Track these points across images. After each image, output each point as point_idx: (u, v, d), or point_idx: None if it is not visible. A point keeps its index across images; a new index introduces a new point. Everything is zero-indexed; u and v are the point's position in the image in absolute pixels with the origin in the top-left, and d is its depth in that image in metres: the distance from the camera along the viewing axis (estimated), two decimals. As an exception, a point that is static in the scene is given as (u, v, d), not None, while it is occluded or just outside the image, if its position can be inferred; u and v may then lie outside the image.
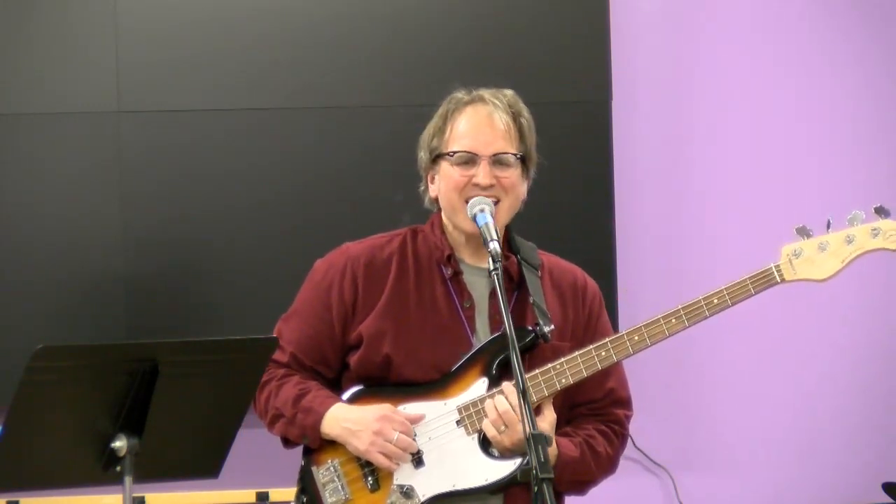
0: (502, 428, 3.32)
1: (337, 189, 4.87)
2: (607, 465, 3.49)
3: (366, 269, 3.48)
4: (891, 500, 4.86)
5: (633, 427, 3.57)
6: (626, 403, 3.54)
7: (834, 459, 5.16)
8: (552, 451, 3.34)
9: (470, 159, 3.41)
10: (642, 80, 5.11)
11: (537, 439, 2.91)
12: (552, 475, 2.88)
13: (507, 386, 3.34)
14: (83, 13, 4.83)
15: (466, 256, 3.49)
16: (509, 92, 3.51)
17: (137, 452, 3.13)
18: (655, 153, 5.13)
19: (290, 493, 4.61)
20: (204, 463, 3.33)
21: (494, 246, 3.23)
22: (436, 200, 3.52)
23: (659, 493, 5.11)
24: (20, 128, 4.80)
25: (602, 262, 4.66)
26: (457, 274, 3.47)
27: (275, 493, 4.83)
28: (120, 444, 3.13)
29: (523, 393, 3.01)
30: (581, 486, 3.48)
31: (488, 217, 3.32)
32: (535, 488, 2.88)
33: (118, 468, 3.14)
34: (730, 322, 5.09)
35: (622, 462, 3.56)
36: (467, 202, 3.39)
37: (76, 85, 4.83)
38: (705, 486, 5.12)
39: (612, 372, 3.48)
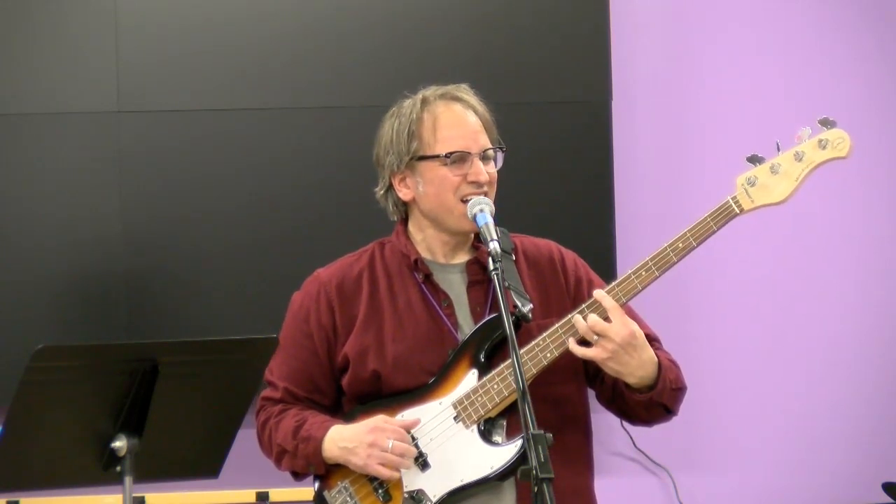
0: (594, 338, 3.31)
1: (337, 189, 4.87)
2: (682, 373, 3.48)
3: (338, 291, 3.49)
4: (891, 500, 4.86)
5: (634, 427, 3.57)
6: (657, 339, 3.53)
7: (834, 459, 5.16)
8: (650, 358, 3.35)
9: (462, 158, 3.41)
10: (642, 80, 5.11)
11: (537, 439, 2.91)
12: (552, 475, 2.88)
13: (598, 292, 3.34)
14: (83, 13, 4.83)
15: (440, 255, 3.49)
16: (464, 85, 3.52)
17: (137, 452, 3.13)
18: (655, 153, 5.13)
19: (290, 493, 4.63)
20: (204, 463, 3.33)
21: (495, 246, 3.24)
22: (406, 203, 3.50)
23: (659, 493, 5.11)
24: (20, 128, 4.80)
25: (602, 262, 4.66)
26: (428, 276, 3.47)
27: (275, 493, 4.83)
28: (120, 444, 3.13)
29: (523, 394, 3.01)
30: (679, 395, 3.46)
31: (488, 217, 3.33)
32: (535, 488, 2.88)
33: (118, 468, 3.14)
34: (730, 322, 5.12)
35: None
36: (464, 201, 3.40)
37: (76, 85, 4.83)
38: (705, 486, 5.12)
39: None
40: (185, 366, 3.15)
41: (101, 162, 4.82)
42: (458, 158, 3.41)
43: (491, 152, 3.45)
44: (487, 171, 3.42)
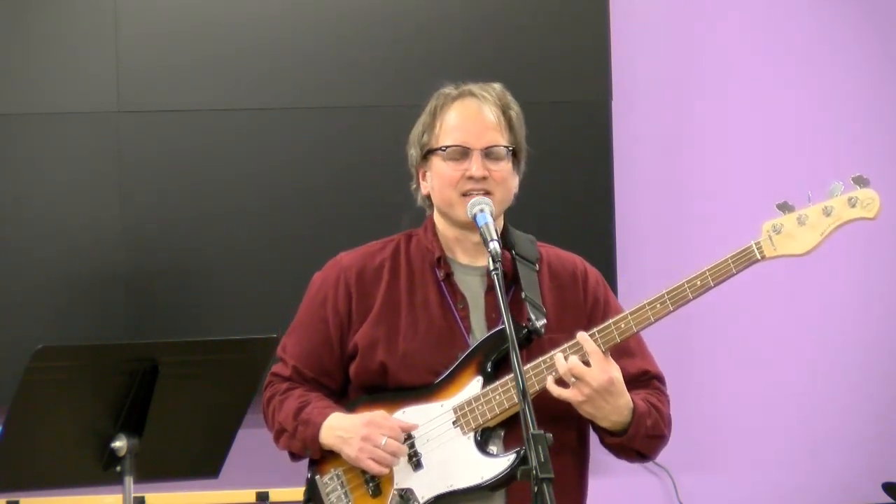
0: (572, 380, 3.30)
1: (337, 189, 4.87)
2: (669, 424, 3.47)
3: (357, 279, 3.49)
4: (891, 500, 4.86)
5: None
6: (658, 377, 3.53)
7: (834, 459, 5.16)
8: (626, 404, 3.34)
9: (462, 153, 3.40)
10: (642, 80, 5.11)
11: (537, 439, 2.91)
12: (552, 475, 2.88)
13: (581, 335, 3.32)
14: (83, 13, 4.83)
15: (460, 256, 3.49)
16: (497, 85, 3.50)
17: (137, 452, 3.14)
18: (655, 153, 5.13)
19: (290, 493, 4.63)
20: (204, 463, 3.33)
21: (494, 246, 3.23)
22: (427, 197, 3.51)
23: (659, 493, 5.11)
24: (20, 128, 4.80)
25: (602, 262, 4.66)
26: (449, 276, 3.47)
27: (275, 493, 4.83)
28: (120, 444, 3.14)
29: (523, 394, 3.01)
30: (655, 443, 3.45)
31: (488, 217, 3.31)
32: (535, 488, 2.87)
33: (118, 468, 3.14)
34: (730, 322, 5.12)
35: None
36: (464, 196, 3.38)
37: (76, 85, 4.83)
38: (705, 486, 5.12)
39: (636, 353, 3.49)
40: (185, 366, 3.15)
41: (101, 162, 4.82)
42: (455, 153, 3.40)
43: (500, 150, 3.42)
44: (492, 169, 3.40)
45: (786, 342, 5.17)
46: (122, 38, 4.83)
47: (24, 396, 3.06)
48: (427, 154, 3.45)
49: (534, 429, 2.93)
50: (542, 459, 2.89)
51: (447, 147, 3.40)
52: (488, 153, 3.41)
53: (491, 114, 3.43)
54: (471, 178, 3.38)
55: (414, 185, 3.54)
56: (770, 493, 5.15)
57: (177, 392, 3.15)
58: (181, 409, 3.19)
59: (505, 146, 3.43)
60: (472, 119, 3.42)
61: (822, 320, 5.18)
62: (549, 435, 2.92)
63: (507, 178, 3.43)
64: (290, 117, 4.88)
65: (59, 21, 4.83)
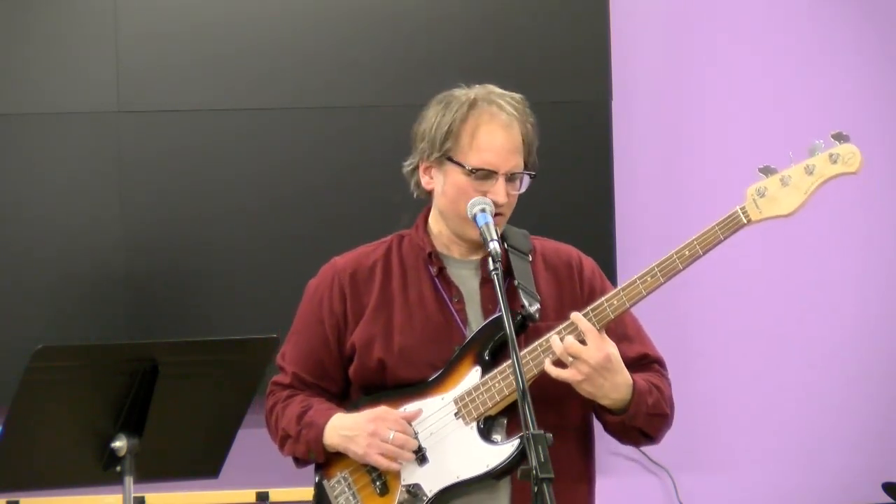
0: (569, 359, 3.30)
1: (336, 189, 4.87)
2: (671, 405, 3.47)
3: (351, 280, 3.50)
4: (891, 500, 4.86)
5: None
6: (658, 360, 3.53)
7: (834, 459, 5.16)
8: (625, 381, 3.33)
9: (487, 175, 3.40)
10: (642, 80, 5.11)
11: (537, 439, 2.91)
12: (552, 475, 2.88)
13: (575, 314, 3.33)
14: (83, 13, 4.83)
15: (455, 251, 3.50)
16: (518, 96, 3.49)
17: (137, 452, 3.14)
18: (655, 153, 5.13)
19: (290, 493, 4.63)
20: (204, 463, 3.34)
21: (494, 246, 3.24)
22: (429, 193, 3.51)
23: (659, 493, 5.11)
24: (20, 128, 4.80)
25: (602, 262, 4.65)
26: (442, 270, 3.48)
27: (275, 493, 4.83)
28: (120, 444, 3.14)
29: (523, 393, 3.01)
30: (658, 422, 3.44)
31: (488, 217, 3.33)
32: (535, 488, 2.88)
33: (118, 468, 3.15)
34: (730, 322, 5.12)
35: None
36: None
37: (76, 85, 4.83)
38: (705, 486, 5.12)
39: (634, 338, 3.49)
40: (185, 366, 3.15)
41: (101, 162, 4.82)
42: (483, 176, 3.40)
43: (521, 176, 3.42)
44: (510, 194, 3.41)
45: (786, 342, 5.17)
46: (122, 38, 4.83)
47: (24, 396, 3.06)
48: (444, 157, 3.43)
49: (534, 429, 2.94)
50: (542, 459, 2.89)
51: (477, 169, 3.39)
52: (511, 178, 3.42)
53: (519, 134, 3.43)
54: (493, 202, 3.38)
55: (409, 166, 3.51)
56: (770, 492, 5.15)
57: (177, 392, 3.15)
58: (181, 409, 3.20)
59: (526, 173, 3.43)
60: (502, 139, 3.40)
61: (821, 320, 5.18)
62: (550, 435, 2.93)
63: (516, 198, 3.46)
64: (290, 117, 4.89)
65: (59, 21, 4.83)
